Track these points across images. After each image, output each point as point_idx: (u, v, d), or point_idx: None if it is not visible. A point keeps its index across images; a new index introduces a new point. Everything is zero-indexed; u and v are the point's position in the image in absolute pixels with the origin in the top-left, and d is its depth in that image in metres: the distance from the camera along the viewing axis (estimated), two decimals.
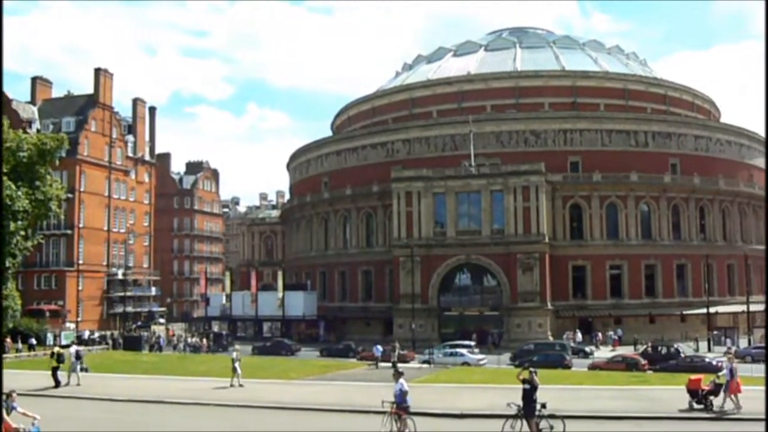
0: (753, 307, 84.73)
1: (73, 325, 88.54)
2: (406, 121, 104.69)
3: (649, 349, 64.62)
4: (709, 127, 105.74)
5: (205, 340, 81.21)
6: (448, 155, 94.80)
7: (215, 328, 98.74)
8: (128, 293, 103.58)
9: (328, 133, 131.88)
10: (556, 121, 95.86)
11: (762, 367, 58.47)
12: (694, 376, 33.27)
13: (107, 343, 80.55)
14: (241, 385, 40.11)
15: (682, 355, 60.66)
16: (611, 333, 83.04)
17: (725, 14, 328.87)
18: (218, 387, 40.29)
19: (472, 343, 71.35)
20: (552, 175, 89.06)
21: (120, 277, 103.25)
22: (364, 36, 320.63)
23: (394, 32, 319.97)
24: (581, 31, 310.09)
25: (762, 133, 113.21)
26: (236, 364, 40.67)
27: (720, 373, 32.51)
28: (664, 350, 63.28)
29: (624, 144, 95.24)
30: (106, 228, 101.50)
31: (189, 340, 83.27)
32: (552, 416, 26.17)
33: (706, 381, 32.01)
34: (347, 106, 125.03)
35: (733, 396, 31.04)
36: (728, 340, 77.17)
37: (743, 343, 76.82)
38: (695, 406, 31.25)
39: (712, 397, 31.23)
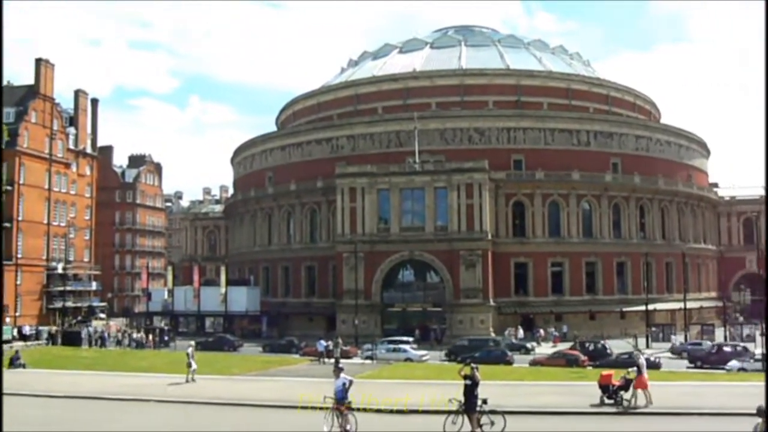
0: (690, 304, 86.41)
1: (9, 320, 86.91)
2: (351, 117, 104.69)
3: (577, 345, 66.05)
4: (649, 127, 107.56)
5: (150, 336, 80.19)
6: (392, 152, 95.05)
7: (162, 323, 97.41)
8: (68, 288, 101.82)
9: (273, 128, 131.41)
10: (500, 119, 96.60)
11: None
12: (605, 372, 34.13)
13: (47, 339, 79.31)
14: (193, 380, 40.01)
15: (608, 351, 62.11)
16: (552, 329, 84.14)
17: (664, 15, 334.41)
18: (159, 383, 40.04)
19: (411, 339, 71.85)
20: (495, 172, 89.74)
21: (60, 271, 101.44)
22: (310, 31, 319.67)
23: (341, 28, 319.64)
24: (525, 30, 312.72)
25: (701, 134, 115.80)
26: (191, 360, 40.58)
27: (630, 369, 33.16)
28: (591, 347, 64.62)
29: (566, 143, 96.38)
30: (45, 221, 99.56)
31: (134, 335, 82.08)
32: (493, 412, 26.48)
33: (617, 376, 32.75)
34: (292, 102, 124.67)
35: (640, 391, 31.83)
36: (673, 337, 78.99)
37: (680, 339, 78.45)
38: (606, 400, 31.99)
39: (622, 392, 31.98)
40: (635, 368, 32.61)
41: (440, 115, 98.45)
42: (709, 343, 69.97)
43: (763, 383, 40.83)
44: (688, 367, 58.87)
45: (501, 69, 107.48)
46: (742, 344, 65.99)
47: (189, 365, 40.47)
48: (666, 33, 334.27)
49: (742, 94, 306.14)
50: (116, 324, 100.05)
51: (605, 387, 32.20)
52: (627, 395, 32.06)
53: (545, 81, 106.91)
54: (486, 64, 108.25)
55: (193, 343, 46.45)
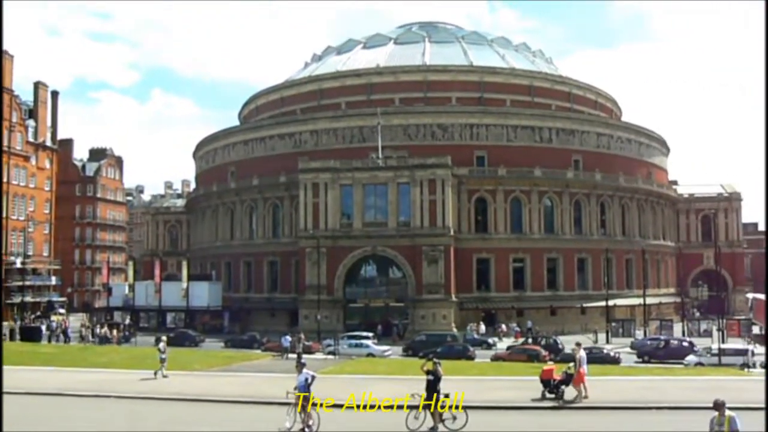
0: (649, 300, 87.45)
1: None
2: (314, 112, 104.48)
3: (530, 340, 67.51)
4: (610, 125, 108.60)
5: (115, 332, 78.97)
6: (355, 147, 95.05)
7: (128, 320, 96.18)
8: (27, 283, 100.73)
9: (236, 122, 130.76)
10: (463, 115, 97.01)
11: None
12: (547, 366, 34.83)
13: (4, 334, 78.19)
14: (165, 376, 39.95)
15: (560, 346, 63.75)
16: (514, 325, 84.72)
17: (626, 15, 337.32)
18: (120, 379, 39.79)
19: (370, 334, 71.78)
20: (458, 168, 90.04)
21: (18, 265, 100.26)
22: (274, 25, 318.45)
23: (305, 22, 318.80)
24: (489, 27, 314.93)
25: (661, 132, 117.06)
26: (163, 355, 40.59)
27: (571, 364, 33.68)
28: (543, 341, 66.18)
29: (529, 140, 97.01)
30: (4, 215, 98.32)
31: (98, 330, 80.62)
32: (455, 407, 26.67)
33: (558, 371, 33.27)
34: (255, 96, 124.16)
35: (578, 385, 32.43)
36: (637, 332, 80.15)
37: (639, 334, 79.56)
38: (547, 395, 32.48)
39: (563, 387, 32.54)
40: (574, 363, 33.18)
41: (403, 110, 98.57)
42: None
43: (719, 377, 41.66)
44: (636, 362, 60.02)
45: (464, 65, 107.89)
46: (688, 339, 68.31)
47: (162, 360, 40.51)
48: (628, 32, 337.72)
49: (701, 93, 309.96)
50: (83, 319, 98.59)
51: (546, 381, 32.79)
52: (569, 390, 32.56)
53: (508, 78, 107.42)
54: (449, 60, 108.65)
55: (164, 338, 46.12)
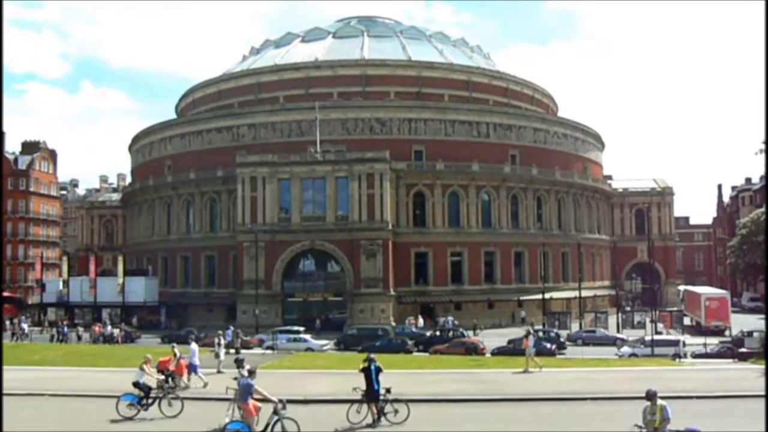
0: (584, 293, 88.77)
1: None
2: (252, 106, 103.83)
3: (438, 332, 69.25)
4: (547, 120, 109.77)
5: (117, 330, 74.96)
6: (294, 141, 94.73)
7: (74, 317, 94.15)
8: None
9: (172, 115, 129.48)
10: (402, 110, 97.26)
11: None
12: (163, 357, 35.55)
13: None
14: (220, 372, 39.79)
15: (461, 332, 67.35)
16: (451, 318, 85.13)
17: (559, 11, 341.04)
18: (53, 377, 39.18)
19: (302, 328, 71.39)
20: (396, 163, 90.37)
21: None
22: (211, 17, 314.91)
23: (242, 14, 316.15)
24: (424, 20, 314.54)
25: (596, 127, 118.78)
26: (220, 350, 40.62)
27: (185, 355, 35.77)
28: (451, 333, 67.77)
29: (467, 134, 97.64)
30: None
31: (107, 329, 74.60)
32: (396, 400, 26.84)
33: (173, 362, 34.51)
34: (192, 89, 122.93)
35: (194, 375, 35.40)
36: (573, 324, 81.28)
37: (575, 327, 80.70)
38: (165, 385, 33.23)
39: (178, 376, 33.90)
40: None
41: (342, 105, 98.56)
42: (603, 330, 73.11)
43: (651, 368, 42.53)
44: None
45: (403, 60, 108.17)
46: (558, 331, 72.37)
47: (217, 355, 40.53)
48: (562, 28, 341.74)
49: (634, 89, 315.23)
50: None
51: (162, 371, 33.71)
52: (184, 379, 34.56)
53: (446, 73, 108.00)
54: (388, 55, 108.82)
55: (221, 332, 46.47)
